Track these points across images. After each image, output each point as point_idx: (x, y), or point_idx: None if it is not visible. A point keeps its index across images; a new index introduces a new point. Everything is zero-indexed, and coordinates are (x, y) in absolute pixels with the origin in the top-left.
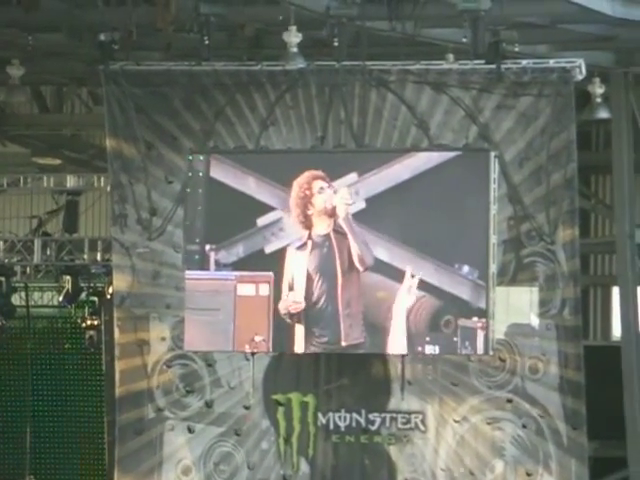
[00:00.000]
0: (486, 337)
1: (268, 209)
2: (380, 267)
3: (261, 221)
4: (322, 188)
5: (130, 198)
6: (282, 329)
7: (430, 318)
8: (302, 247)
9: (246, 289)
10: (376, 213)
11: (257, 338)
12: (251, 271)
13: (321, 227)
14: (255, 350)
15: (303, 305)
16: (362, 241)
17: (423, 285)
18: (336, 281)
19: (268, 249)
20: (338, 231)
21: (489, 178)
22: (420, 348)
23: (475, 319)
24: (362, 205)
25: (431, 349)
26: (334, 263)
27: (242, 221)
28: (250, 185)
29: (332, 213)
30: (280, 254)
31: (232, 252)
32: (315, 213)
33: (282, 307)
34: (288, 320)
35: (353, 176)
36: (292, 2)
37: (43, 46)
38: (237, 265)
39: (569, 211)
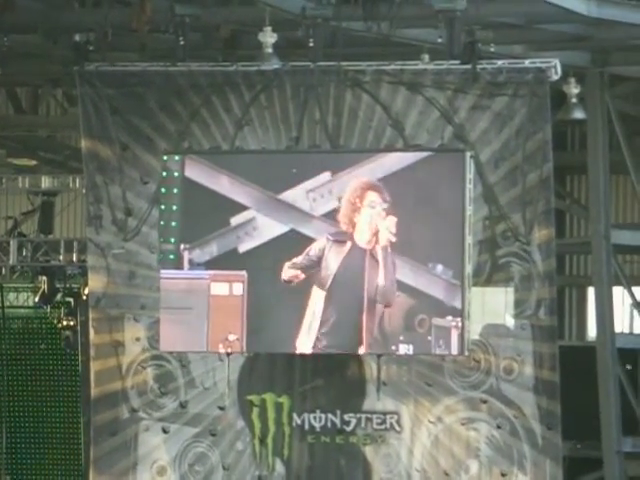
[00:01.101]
0: (461, 337)
1: (242, 208)
2: None
3: (235, 220)
4: (374, 202)
5: (105, 199)
6: (258, 329)
7: (404, 317)
8: (341, 244)
9: (220, 288)
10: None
11: (231, 337)
12: (225, 270)
13: (362, 239)
14: (229, 350)
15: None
16: (391, 278)
17: (397, 284)
18: (362, 301)
19: (242, 248)
20: (374, 256)
21: (464, 178)
22: (394, 347)
23: (449, 318)
24: (335, 204)
25: (405, 348)
26: (362, 281)
27: (216, 220)
28: (224, 184)
29: (375, 233)
30: (254, 252)
31: (206, 251)
32: (360, 223)
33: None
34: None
35: (326, 175)
36: (267, 3)
37: (18, 47)
38: (211, 264)
39: (545, 211)
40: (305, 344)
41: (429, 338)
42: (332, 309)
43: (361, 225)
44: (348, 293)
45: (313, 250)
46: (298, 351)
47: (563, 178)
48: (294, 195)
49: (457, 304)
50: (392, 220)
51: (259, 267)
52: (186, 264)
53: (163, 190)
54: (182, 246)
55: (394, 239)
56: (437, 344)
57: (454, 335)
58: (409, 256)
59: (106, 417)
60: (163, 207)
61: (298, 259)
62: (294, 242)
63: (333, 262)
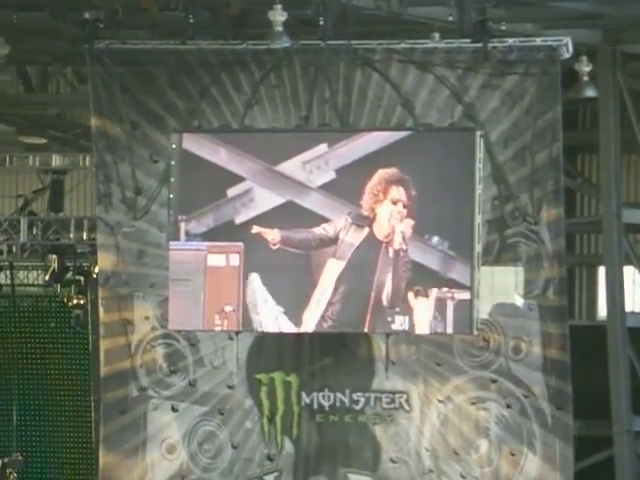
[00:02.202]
0: (471, 316)
1: (238, 180)
2: None
3: (231, 192)
4: (396, 198)
5: (115, 177)
6: (254, 300)
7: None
8: (359, 227)
9: (216, 259)
10: (345, 184)
11: (227, 308)
12: (221, 242)
13: (381, 232)
14: (225, 321)
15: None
16: (398, 284)
17: None
18: (368, 299)
19: (238, 220)
20: (388, 253)
21: (474, 157)
22: (390, 318)
23: (445, 289)
24: (332, 176)
25: (401, 319)
26: (373, 277)
27: (212, 192)
28: (221, 156)
29: (392, 231)
30: (250, 225)
31: (202, 222)
32: (380, 215)
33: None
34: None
35: (323, 147)
36: None
37: (28, 25)
38: (207, 236)
39: (554, 191)
40: (313, 317)
41: None
42: (342, 289)
43: (381, 217)
44: (359, 279)
45: (330, 226)
46: (303, 324)
47: (574, 157)
48: (290, 166)
49: (453, 275)
50: (409, 224)
51: (256, 238)
52: (182, 235)
53: (172, 163)
54: (179, 217)
55: (405, 247)
56: (433, 315)
57: (450, 306)
58: None
59: (116, 395)
60: (172, 179)
61: (314, 229)
62: (291, 213)
63: (350, 243)
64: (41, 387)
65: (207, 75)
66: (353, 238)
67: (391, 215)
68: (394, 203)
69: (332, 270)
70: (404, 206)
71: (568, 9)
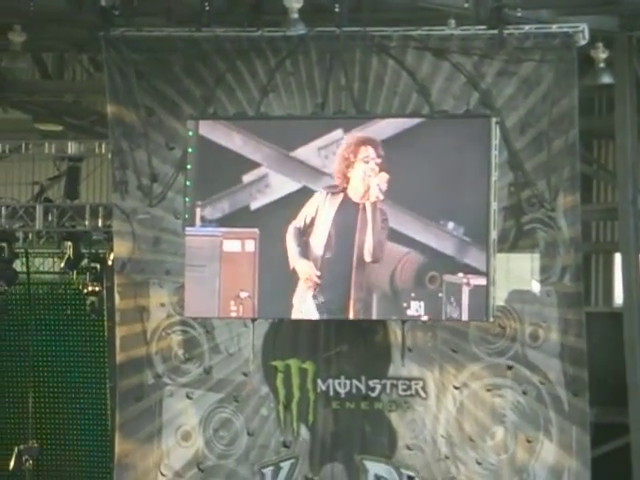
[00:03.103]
0: (487, 303)
1: (254, 165)
2: None
3: (247, 178)
4: (367, 157)
5: (131, 164)
6: (269, 286)
7: (415, 274)
8: (335, 194)
9: (232, 245)
10: None
11: (242, 294)
12: (237, 227)
13: (356, 194)
14: (241, 307)
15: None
16: (378, 236)
17: (408, 241)
18: (351, 257)
19: (254, 205)
20: (366, 211)
21: (490, 144)
22: (405, 304)
23: (460, 275)
24: None
25: (416, 305)
26: (353, 237)
27: (228, 178)
28: (236, 142)
29: (367, 190)
30: (266, 210)
31: (218, 208)
32: (353, 178)
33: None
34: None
35: (338, 132)
36: None
37: (44, 12)
38: (222, 221)
39: (570, 178)
40: (302, 299)
41: (440, 295)
42: (324, 266)
43: (355, 180)
44: (339, 249)
45: (309, 211)
46: (294, 307)
47: (590, 143)
48: (306, 152)
49: (468, 261)
50: (384, 177)
51: (271, 224)
52: (198, 221)
53: (190, 150)
54: (196, 202)
55: (382, 197)
56: (448, 301)
57: (465, 291)
58: (420, 213)
59: (131, 382)
60: (189, 167)
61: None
62: (306, 199)
63: (327, 216)
64: (56, 374)
65: (223, 62)
66: (330, 207)
67: (364, 173)
68: (366, 162)
69: (316, 246)
70: (376, 163)
71: None
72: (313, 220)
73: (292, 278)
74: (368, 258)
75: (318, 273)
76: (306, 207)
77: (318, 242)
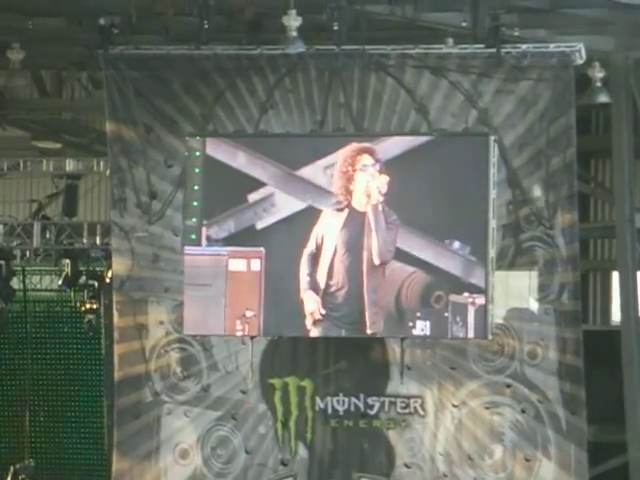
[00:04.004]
0: (485, 321)
1: (260, 185)
2: None
3: (252, 197)
4: (365, 165)
5: (129, 182)
6: (275, 305)
7: (421, 293)
8: (340, 211)
9: (238, 264)
10: None
11: (248, 313)
12: (242, 247)
13: (360, 204)
14: (247, 326)
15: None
16: (383, 237)
17: (414, 261)
18: (361, 263)
19: (259, 225)
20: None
21: (488, 162)
22: (411, 323)
23: (466, 294)
24: None
25: (422, 325)
26: (362, 245)
27: (234, 197)
28: (242, 161)
29: (369, 196)
30: (272, 229)
31: (224, 227)
32: (356, 189)
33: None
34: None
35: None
36: None
37: (43, 30)
38: (228, 241)
39: (568, 196)
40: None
41: (446, 314)
42: (335, 279)
43: (357, 192)
44: (349, 258)
45: (318, 231)
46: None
47: (587, 162)
48: (311, 171)
49: (474, 280)
50: (384, 179)
51: (277, 243)
52: (204, 240)
53: (197, 170)
54: (203, 222)
55: (382, 198)
56: (454, 320)
57: (471, 311)
58: (426, 232)
59: (129, 400)
60: (196, 187)
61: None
62: (312, 218)
63: (333, 232)
64: (53, 392)
65: (222, 80)
66: (337, 224)
67: (365, 181)
68: (364, 170)
69: (325, 261)
70: (376, 170)
71: (581, 16)
72: (323, 240)
73: (300, 307)
74: (377, 261)
75: (323, 312)
76: (316, 228)
77: (324, 266)
